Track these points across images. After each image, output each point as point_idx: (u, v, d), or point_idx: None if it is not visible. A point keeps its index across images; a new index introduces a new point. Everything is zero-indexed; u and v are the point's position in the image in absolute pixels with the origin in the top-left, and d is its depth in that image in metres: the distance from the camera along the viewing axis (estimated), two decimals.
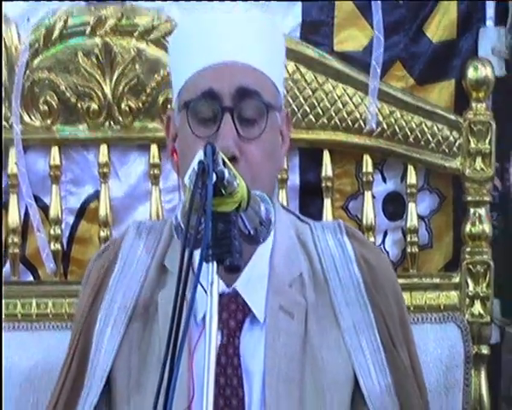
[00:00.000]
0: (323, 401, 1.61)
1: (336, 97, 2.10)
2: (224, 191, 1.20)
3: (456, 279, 2.12)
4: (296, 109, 2.07)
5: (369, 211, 2.11)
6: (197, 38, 1.69)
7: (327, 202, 2.12)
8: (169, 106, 2.07)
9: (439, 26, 2.13)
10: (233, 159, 1.44)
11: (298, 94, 2.09)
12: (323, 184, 2.10)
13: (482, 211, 2.08)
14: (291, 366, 1.64)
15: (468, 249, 2.08)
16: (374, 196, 2.13)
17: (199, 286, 1.06)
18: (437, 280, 2.13)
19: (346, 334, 1.65)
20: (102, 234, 2.15)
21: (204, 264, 1.10)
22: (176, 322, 1.08)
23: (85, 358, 1.71)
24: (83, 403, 1.63)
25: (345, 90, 2.09)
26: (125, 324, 1.64)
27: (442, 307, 2.09)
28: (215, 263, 1.11)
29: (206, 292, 1.11)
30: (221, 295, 1.48)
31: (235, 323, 1.63)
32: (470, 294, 2.11)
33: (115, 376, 1.65)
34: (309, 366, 1.64)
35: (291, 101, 2.06)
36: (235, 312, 1.63)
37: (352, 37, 2.11)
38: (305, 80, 2.11)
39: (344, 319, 1.67)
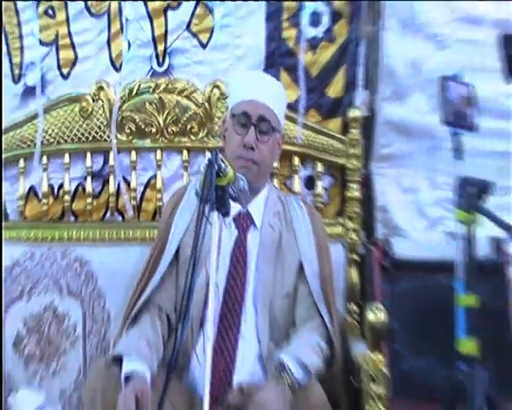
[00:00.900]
0: (285, 275, 2.46)
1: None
2: (221, 174, 1.91)
3: (342, 221, 2.94)
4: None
5: (297, 185, 2.96)
6: (246, 83, 2.58)
7: (275, 181, 2.90)
8: (193, 130, 2.93)
9: (335, 88, 2.93)
10: (251, 149, 2.40)
11: None
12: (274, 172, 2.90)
13: (355, 186, 2.90)
14: (272, 253, 2.48)
15: (347, 205, 2.92)
16: (300, 178, 2.97)
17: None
18: (332, 221, 2.94)
19: (299, 245, 2.50)
20: (158, 196, 2.96)
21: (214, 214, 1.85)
22: (197, 234, 1.77)
23: (164, 244, 2.53)
24: (162, 263, 2.46)
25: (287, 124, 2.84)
26: (188, 222, 2.48)
27: (335, 235, 2.90)
28: (216, 211, 1.87)
29: (210, 223, 1.83)
30: (240, 213, 2.43)
31: (246, 226, 2.50)
32: (349, 228, 2.92)
33: (183, 246, 2.45)
34: (279, 255, 2.48)
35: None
36: (246, 221, 2.50)
37: (290, 95, 2.81)
38: None
39: (298, 238, 2.52)
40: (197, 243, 1.77)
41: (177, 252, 2.48)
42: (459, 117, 2.12)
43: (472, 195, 2.02)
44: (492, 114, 2.75)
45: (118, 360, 2.21)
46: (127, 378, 2.13)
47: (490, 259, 2.79)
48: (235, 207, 2.28)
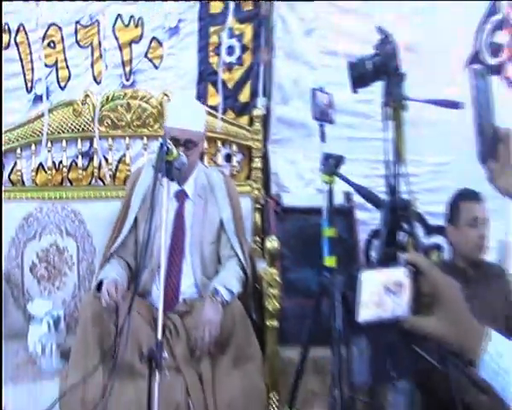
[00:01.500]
0: (210, 228, 2.47)
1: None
2: (168, 153, 1.86)
3: (249, 183, 2.96)
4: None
5: (220, 160, 2.97)
6: (176, 111, 2.41)
7: (205, 158, 2.92)
8: (150, 124, 2.88)
9: (244, 96, 2.97)
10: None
11: None
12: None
13: (258, 160, 2.94)
14: (200, 215, 2.48)
15: (253, 172, 2.96)
16: (221, 155, 2.98)
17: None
18: (243, 183, 2.95)
19: (219, 205, 2.50)
20: (127, 168, 2.91)
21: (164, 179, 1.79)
22: (151, 200, 1.72)
23: (127, 211, 2.49)
24: (125, 226, 2.43)
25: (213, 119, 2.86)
26: (144, 194, 2.43)
27: (245, 192, 2.89)
28: (166, 179, 1.82)
29: (162, 185, 1.78)
30: (179, 190, 2.35)
31: (182, 199, 2.44)
32: (254, 187, 2.94)
33: (138, 217, 2.42)
34: (206, 215, 2.46)
35: None
36: (182, 196, 2.44)
37: (214, 100, 2.92)
38: None
39: (218, 200, 2.52)
40: (153, 201, 1.76)
41: (136, 219, 2.45)
42: (323, 115, 2.15)
43: (332, 164, 2.05)
44: (344, 112, 2.81)
45: (99, 287, 2.22)
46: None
47: (343, 205, 2.87)
48: (174, 187, 2.28)
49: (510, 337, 0.90)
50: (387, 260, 1.06)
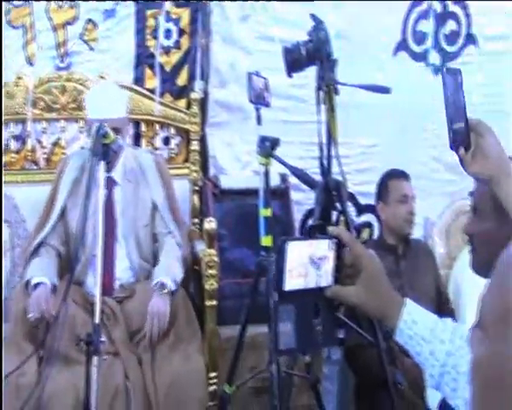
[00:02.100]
0: (143, 211, 2.42)
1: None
2: (105, 136, 1.85)
3: (187, 165, 2.89)
4: None
5: (158, 143, 2.92)
6: (94, 103, 2.34)
7: (143, 140, 2.89)
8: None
9: (182, 79, 2.91)
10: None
11: None
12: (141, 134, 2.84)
13: (195, 142, 2.87)
14: (131, 199, 2.42)
15: (191, 155, 2.87)
16: (159, 138, 2.92)
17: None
18: (181, 165, 2.92)
19: (151, 186, 2.45)
20: (63, 151, 2.80)
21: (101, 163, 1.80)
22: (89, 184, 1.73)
23: (54, 201, 2.41)
24: (53, 213, 2.36)
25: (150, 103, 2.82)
26: (73, 181, 2.37)
27: (183, 174, 2.86)
28: (103, 161, 1.81)
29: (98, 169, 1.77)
30: (107, 178, 2.07)
31: (111, 186, 2.35)
32: (192, 169, 2.87)
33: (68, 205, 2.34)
34: (137, 198, 2.43)
35: None
36: (111, 183, 2.33)
37: (152, 83, 2.87)
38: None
39: (149, 181, 2.47)
40: (90, 186, 1.74)
41: (64, 206, 2.38)
42: (259, 98, 2.14)
43: (267, 147, 2.04)
44: (279, 96, 2.80)
45: (28, 284, 2.16)
46: (35, 286, 2.10)
47: (279, 186, 2.87)
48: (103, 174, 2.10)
49: (440, 312, 0.92)
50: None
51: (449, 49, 3.21)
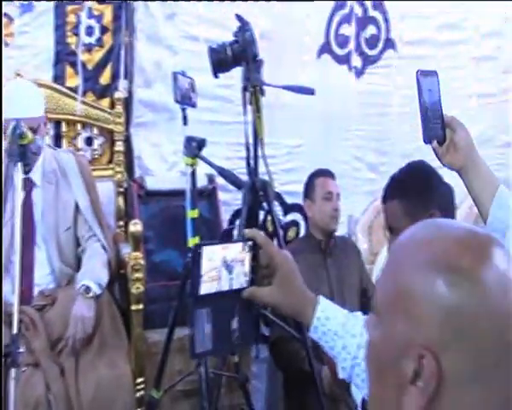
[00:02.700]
0: (65, 213, 2.31)
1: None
2: (23, 136, 1.83)
3: (112, 166, 2.82)
4: None
5: (80, 143, 2.80)
6: (9, 104, 2.15)
7: (64, 141, 2.77)
8: None
9: (105, 78, 2.81)
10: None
11: None
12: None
13: (120, 143, 2.81)
14: (52, 201, 2.31)
15: (115, 156, 2.80)
16: (82, 138, 2.81)
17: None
18: (105, 166, 2.84)
19: (73, 188, 2.36)
20: None
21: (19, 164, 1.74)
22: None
23: None
24: None
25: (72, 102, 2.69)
26: None
27: (108, 176, 2.79)
28: (20, 163, 1.78)
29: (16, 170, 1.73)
30: (25, 179, 2.01)
31: (29, 188, 2.26)
32: (116, 171, 2.79)
33: None
34: (58, 200, 2.32)
35: None
36: (29, 185, 2.24)
37: (73, 82, 2.83)
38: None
39: (71, 183, 2.36)
40: (6, 189, 1.72)
41: None
42: (185, 98, 2.11)
43: (194, 147, 2.02)
44: (206, 96, 2.77)
45: None
46: None
47: (206, 187, 2.86)
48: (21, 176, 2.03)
49: (365, 306, 0.96)
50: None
51: (370, 52, 3.30)
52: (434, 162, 3.35)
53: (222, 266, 0.99)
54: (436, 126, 1.24)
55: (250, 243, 1.02)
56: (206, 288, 0.98)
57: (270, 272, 1.02)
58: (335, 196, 2.46)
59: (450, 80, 3.45)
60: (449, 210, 1.57)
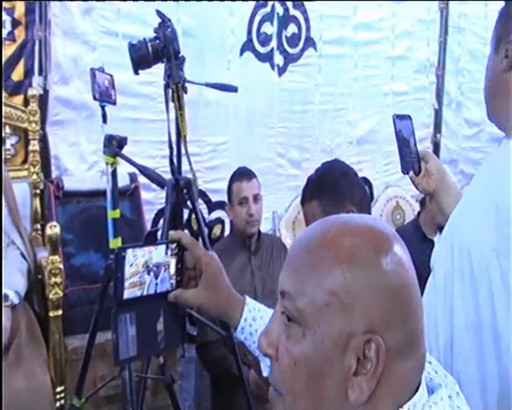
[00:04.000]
0: None
1: None
2: None
3: (26, 167, 2.66)
4: None
5: None
6: None
7: None
8: None
9: (17, 74, 2.67)
10: None
11: None
12: None
13: (35, 142, 2.68)
14: None
15: (30, 156, 2.66)
16: None
17: None
18: (20, 167, 2.66)
19: None
20: None
21: None
22: None
23: None
24: None
25: None
26: None
27: (22, 177, 2.67)
28: None
29: None
30: None
31: None
32: (32, 171, 2.66)
33: None
34: None
35: None
36: None
37: None
38: None
39: None
40: None
41: None
42: (104, 95, 2.04)
43: (114, 146, 1.95)
44: (127, 94, 2.75)
45: None
46: None
47: (128, 186, 2.79)
48: None
49: None
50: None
51: (291, 51, 3.35)
52: (352, 158, 3.51)
53: (146, 270, 0.97)
54: (412, 160, 1.47)
55: (175, 244, 1.00)
56: (129, 292, 0.96)
57: (197, 274, 1.02)
58: (251, 199, 2.45)
59: (367, 79, 3.57)
60: (364, 205, 1.63)
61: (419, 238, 3.09)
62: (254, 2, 3.20)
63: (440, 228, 2.96)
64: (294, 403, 0.69)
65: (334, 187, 1.57)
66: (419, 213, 3.28)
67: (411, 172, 1.50)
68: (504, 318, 1.18)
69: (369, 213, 1.91)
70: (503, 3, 1.39)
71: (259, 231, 2.56)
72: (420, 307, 0.69)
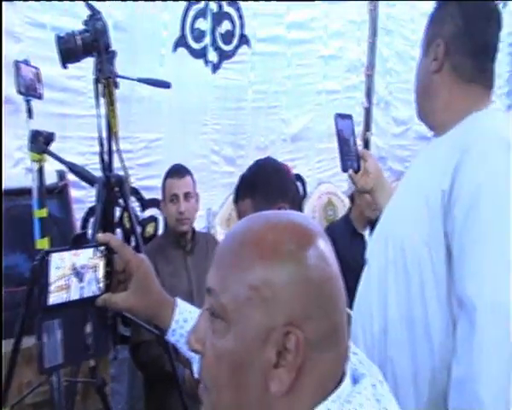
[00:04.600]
0: None
1: None
2: None
3: None
4: None
5: None
6: None
7: None
8: None
9: None
10: None
11: None
12: None
13: None
14: None
15: None
16: None
17: None
18: None
19: None
20: None
21: None
22: None
23: None
24: None
25: None
26: None
27: None
28: None
29: None
30: None
31: None
32: None
33: None
34: None
35: None
36: None
37: None
38: None
39: None
40: None
41: None
42: (30, 89, 1.99)
43: (41, 142, 1.91)
44: (55, 88, 2.66)
45: None
46: None
47: (56, 184, 2.71)
48: None
49: None
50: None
51: (225, 47, 3.34)
52: (286, 155, 3.54)
53: (72, 274, 0.94)
54: (351, 158, 1.54)
55: (103, 247, 0.98)
56: (55, 298, 0.93)
57: (126, 277, 1.01)
58: (182, 197, 2.44)
59: (301, 77, 3.63)
60: (296, 202, 1.67)
61: (350, 233, 3.17)
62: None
63: (370, 223, 3.12)
64: (219, 397, 0.71)
65: (266, 185, 1.59)
66: (350, 208, 3.36)
67: (351, 171, 1.57)
68: (435, 310, 1.24)
69: (301, 209, 1.96)
70: (430, 7, 1.45)
71: (194, 230, 2.54)
72: (342, 301, 0.71)
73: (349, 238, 3.04)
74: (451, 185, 1.20)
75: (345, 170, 1.56)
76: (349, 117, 1.58)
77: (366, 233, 3.20)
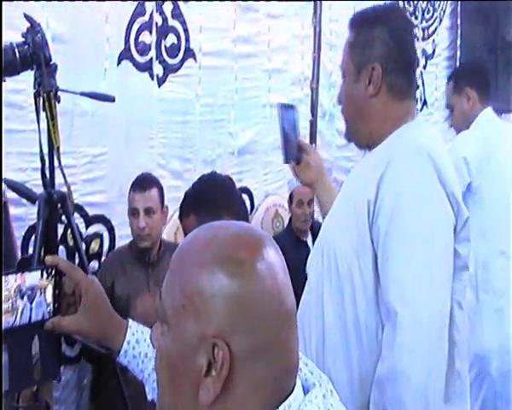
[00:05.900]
0: None
1: None
2: None
3: None
4: None
5: None
6: None
7: None
8: None
9: None
10: None
11: None
12: None
13: None
14: None
15: None
16: None
17: None
18: None
19: None
20: None
21: None
22: None
23: None
24: None
25: None
26: None
27: None
28: None
29: None
30: None
31: None
32: None
33: None
34: None
35: None
36: None
37: None
38: None
39: None
40: None
41: None
42: None
43: None
44: None
45: None
46: None
47: None
48: None
49: None
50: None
51: (170, 61, 3.33)
52: (233, 168, 3.53)
53: (18, 294, 0.91)
54: (293, 150, 1.53)
55: (51, 270, 0.97)
56: (1, 322, 0.90)
57: (76, 299, 1.00)
58: (142, 212, 2.40)
59: (247, 91, 3.65)
60: (241, 215, 1.66)
61: (293, 242, 3.24)
62: (132, 10, 3.12)
63: (311, 229, 3.17)
64: (162, 397, 0.74)
65: (210, 200, 1.59)
66: (290, 218, 3.41)
67: (292, 162, 1.56)
68: (365, 315, 1.29)
69: (247, 222, 1.94)
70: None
71: (161, 242, 2.48)
72: (283, 316, 0.71)
73: (293, 247, 3.08)
74: (376, 195, 1.26)
75: (286, 161, 1.56)
76: (292, 107, 1.58)
77: (309, 239, 3.29)
